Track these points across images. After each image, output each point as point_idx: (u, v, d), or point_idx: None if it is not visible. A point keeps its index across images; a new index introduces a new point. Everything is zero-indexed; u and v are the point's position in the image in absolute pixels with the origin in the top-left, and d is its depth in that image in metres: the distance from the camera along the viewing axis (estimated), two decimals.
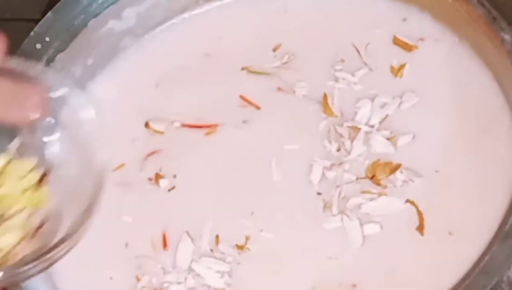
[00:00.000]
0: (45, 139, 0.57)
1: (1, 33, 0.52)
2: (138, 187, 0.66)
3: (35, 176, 0.56)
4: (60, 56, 0.68)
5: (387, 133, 0.63)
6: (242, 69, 0.69)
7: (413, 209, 0.60)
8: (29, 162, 0.57)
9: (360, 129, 0.64)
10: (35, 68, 0.53)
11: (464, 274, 0.56)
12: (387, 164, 0.62)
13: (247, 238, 0.62)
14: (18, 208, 0.56)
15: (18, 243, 0.55)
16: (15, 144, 0.57)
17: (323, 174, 0.63)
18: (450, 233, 0.59)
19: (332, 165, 0.63)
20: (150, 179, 0.65)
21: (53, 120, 0.54)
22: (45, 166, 0.57)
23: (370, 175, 0.62)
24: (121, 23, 0.70)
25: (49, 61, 0.67)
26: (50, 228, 0.55)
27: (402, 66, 0.66)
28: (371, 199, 0.61)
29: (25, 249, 0.55)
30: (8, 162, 0.56)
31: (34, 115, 0.51)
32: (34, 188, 0.56)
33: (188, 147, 0.67)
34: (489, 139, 0.62)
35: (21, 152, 0.57)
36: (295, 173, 0.63)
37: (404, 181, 0.61)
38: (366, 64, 0.67)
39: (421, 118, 0.64)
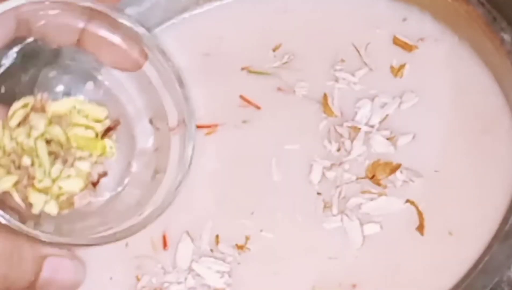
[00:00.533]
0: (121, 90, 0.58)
1: None
2: None
3: (103, 125, 0.57)
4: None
5: (387, 133, 0.63)
6: (242, 69, 0.69)
7: (413, 209, 0.60)
8: (101, 110, 0.57)
9: (360, 129, 0.64)
10: (137, 26, 0.59)
11: (464, 274, 0.57)
12: (387, 164, 0.62)
13: (247, 238, 0.62)
14: (86, 153, 0.57)
15: (83, 189, 0.56)
16: (90, 86, 0.58)
17: (323, 174, 0.63)
18: (450, 233, 0.59)
19: (332, 165, 0.63)
20: None
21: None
22: (115, 119, 0.58)
23: (370, 175, 0.62)
24: None
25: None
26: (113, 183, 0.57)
27: (402, 66, 0.66)
28: (371, 199, 0.61)
29: (86, 198, 0.56)
30: (81, 105, 0.58)
31: (138, 64, 0.58)
32: (101, 137, 0.58)
33: None
34: (489, 139, 0.62)
35: (96, 98, 0.59)
36: (295, 173, 0.63)
37: (404, 181, 0.61)
38: (366, 64, 0.67)
39: (421, 118, 0.64)
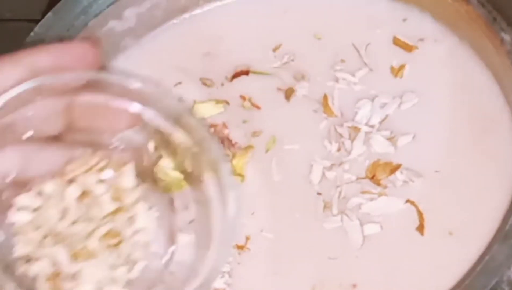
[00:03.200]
0: None
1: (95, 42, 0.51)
2: None
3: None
4: None
5: (387, 133, 0.64)
6: (242, 69, 0.69)
7: (413, 209, 0.61)
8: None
9: (360, 129, 0.64)
10: (131, 81, 0.51)
11: (464, 274, 0.57)
12: (387, 164, 0.62)
13: (247, 238, 0.62)
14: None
15: None
16: None
17: (323, 174, 0.63)
18: (450, 233, 0.59)
19: (332, 165, 0.63)
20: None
21: None
22: None
23: (370, 175, 0.62)
24: (122, 23, 0.70)
25: None
26: None
27: (402, 67, 0.66)
28: (371, 199, 0.61)
29: None
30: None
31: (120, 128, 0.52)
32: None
33: None
34: (489, 139, 0.62)
35: None
36: (295, 173, 0.64)
37: (404, 181, 0.62)
38: (366, 64, 0.67)
39: (421, 118, 0.64)
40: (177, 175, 0.61)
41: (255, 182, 0.64)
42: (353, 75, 0.66)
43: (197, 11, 0.72)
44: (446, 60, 0.66)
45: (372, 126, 0.64)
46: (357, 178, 0.62)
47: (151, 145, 0.64)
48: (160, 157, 0.62)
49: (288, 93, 0.67)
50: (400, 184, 0.62)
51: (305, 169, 0.63)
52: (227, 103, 0.67)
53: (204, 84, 0.68)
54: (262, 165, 0.64)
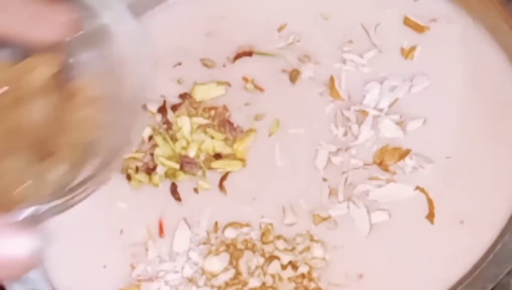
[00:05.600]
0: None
1: None
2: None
3: None
4: None
5: (396, 117, 0.64)
6: (245, 50, 0.69)
7: (423, 196, 0.61)
8: None
9: (368, 113, 0.64)
10: None
11: (474, 263, 0.58)
12: (396, 149, 0.63)
13: (247, 225, 0.63)
14: None
15: None
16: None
17: (329, 159, 0.64)
18: (461, 222, 0.60)
19: (338, 150, 0.64)
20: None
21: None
22: None
23: (378, 161, 0.63)
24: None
25: None
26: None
27: (413, 48, 0.67)
28: (379, 186, 0.62)
29: None
30: None
31: (55, 36, 0.46)
32: None
33: None
34: (502, 124, 0.63)
35: None
36: (299, 158, 0.64)
37: (414, 167, 0.62)
38: (375, 45, 0.67)
39: (432, 102, 0.65)
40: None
41: (257, 167, 0.65)
42: (361, 56, 0.67)
43: None
44: (459, 42, 0.66)
45: (381, 110, 0.65)
46: (365, 164, 0.63)
47: (146, 133, 0.64)
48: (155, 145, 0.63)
49: (293, 75, 0.67)
50: (409, 171, 0.62)
51: (310, 154, 0.64)
52: (229, 84, 0.68)
53: (205, 65, 0.69)
54: (265, 149, 0.65)
